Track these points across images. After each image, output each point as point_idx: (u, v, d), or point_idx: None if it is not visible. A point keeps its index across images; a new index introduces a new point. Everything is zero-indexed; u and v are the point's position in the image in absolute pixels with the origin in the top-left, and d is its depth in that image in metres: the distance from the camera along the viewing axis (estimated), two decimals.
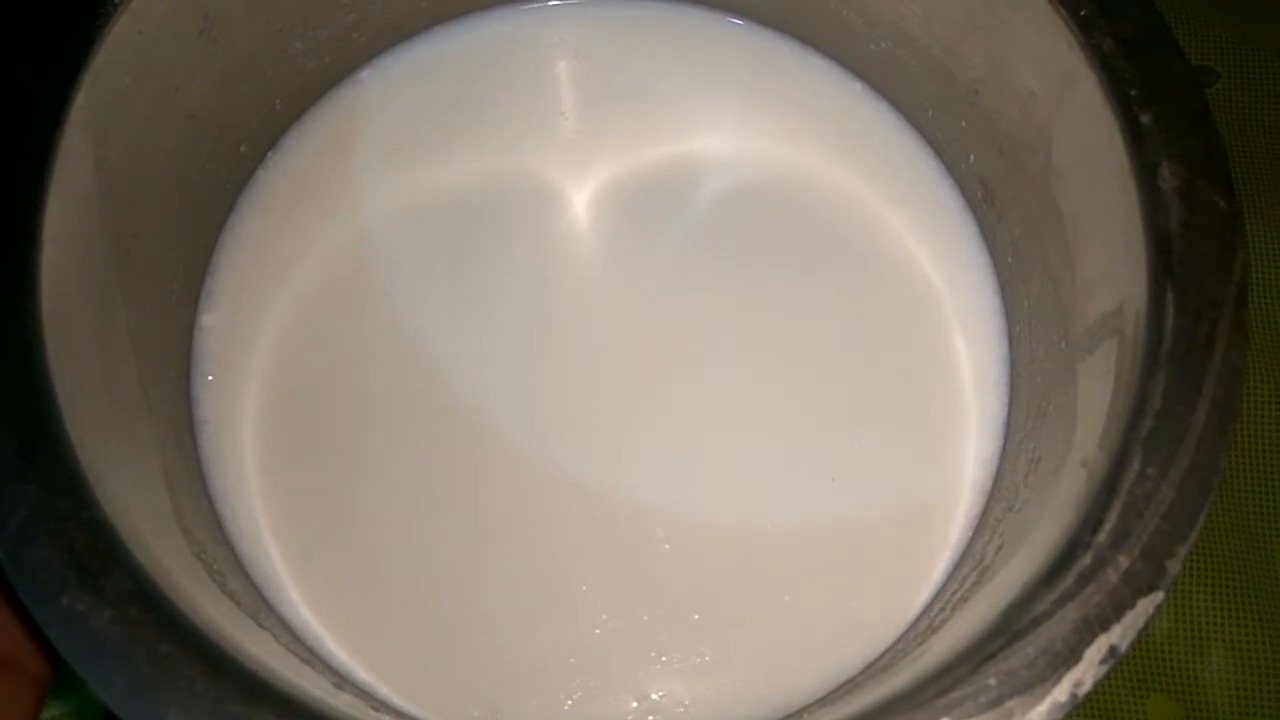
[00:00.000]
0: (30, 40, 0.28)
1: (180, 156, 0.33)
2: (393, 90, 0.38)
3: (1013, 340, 0.36)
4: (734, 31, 0.39)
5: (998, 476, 0.34)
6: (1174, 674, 0.41)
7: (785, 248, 0.37)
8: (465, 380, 0.36)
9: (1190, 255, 0.27)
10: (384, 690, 0.33)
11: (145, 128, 0.31)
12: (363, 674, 0.33)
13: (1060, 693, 0.23)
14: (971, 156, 0.36)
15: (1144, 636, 0.24)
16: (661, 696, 0.33)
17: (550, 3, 0.39)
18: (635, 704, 0.33)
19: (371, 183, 0.38)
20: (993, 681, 0.24)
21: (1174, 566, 0.24)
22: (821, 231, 0.37)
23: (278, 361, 0.36)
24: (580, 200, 0.37)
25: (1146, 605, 0.24)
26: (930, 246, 0.37)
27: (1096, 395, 0.28)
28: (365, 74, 0.39)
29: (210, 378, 0.35)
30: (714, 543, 0.34)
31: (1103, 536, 0.25)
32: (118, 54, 0.29)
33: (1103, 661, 0.24)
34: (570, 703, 0.33)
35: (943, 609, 0.31)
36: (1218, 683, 0.41)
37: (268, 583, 0.33)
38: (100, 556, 0.24)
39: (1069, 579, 0.24)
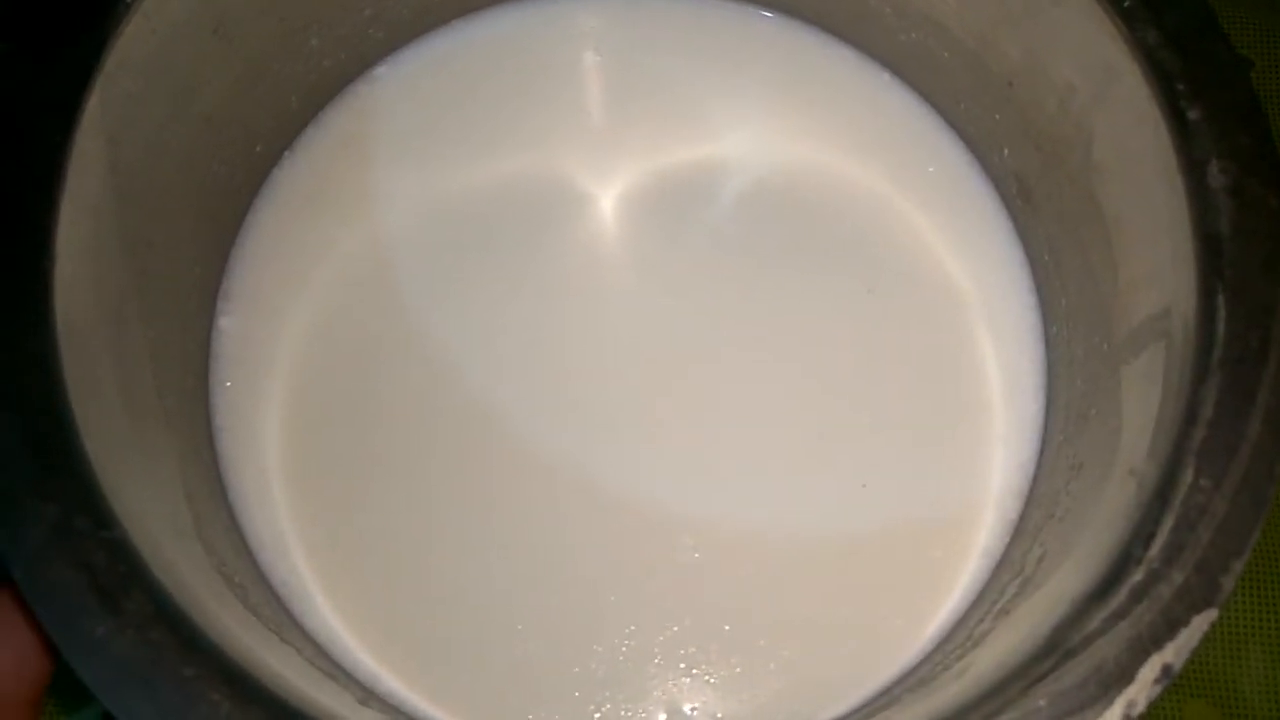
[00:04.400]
0: (40, 43, 0.27)
1: (196, 159, 0.32)
2: (411, 87, 0.37)
3: (1050, 341, 0.35)
4: (760, 23, 0.38)
5: (1035, 482, 0.33)
6: (1212, 679, 0.40)
7: (813, 246, 0.36)
8: (490, 383, 0.35)
9: (1242, 257, 0.26)
10: (413, 699, 0.32)
11: (159, 130, 0.30)
12: (390, 683, 0.32)
13: (1113, 715, 0.23)
14: (1006, 151, 0.35)
15: None
16: (693, 710, 0.32)
17: None
18: (665, 716, 0.32)
19: (390, 182, 0.37)
20: (1043, 703, 0.23)
21: (1229, 582, 0.24)
22: (850, 228, 0.36)
23: (298, 365, 0.35)
24: (605, 198, 0.37)
25: (1201, 622, 0.23)
26: (963, 243, 0.36)
27: (1143, 401, 0.27)
28: (382, 70, 0.38)
29: (229, 384, 0.35)
30: (743, 551, 0.33)
31: (1155, 551, 0.24)
32: (130, 55, 0.28)
33: (1157, 681, 0.23)
34: (599, 715, 0.32)
35: (982, 620, 0.30)
36: (1256, 688, 0.40)
37: (290, 593, 0.33)
38: (120, 576, 0.24)
39: (1121, 595, 0.24)
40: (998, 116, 0.35)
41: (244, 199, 0.36)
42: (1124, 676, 0.23)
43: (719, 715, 0.32)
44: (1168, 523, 0.24)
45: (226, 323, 0.35)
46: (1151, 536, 0.24)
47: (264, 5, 0.32)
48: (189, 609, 0.24)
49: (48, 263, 0.26)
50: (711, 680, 0.32)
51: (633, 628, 0.33)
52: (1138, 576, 0.24)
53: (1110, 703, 0.23)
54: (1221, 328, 0.25)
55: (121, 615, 0.23)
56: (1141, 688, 0.23)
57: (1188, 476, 0.24)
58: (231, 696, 0.23)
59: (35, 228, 0.26)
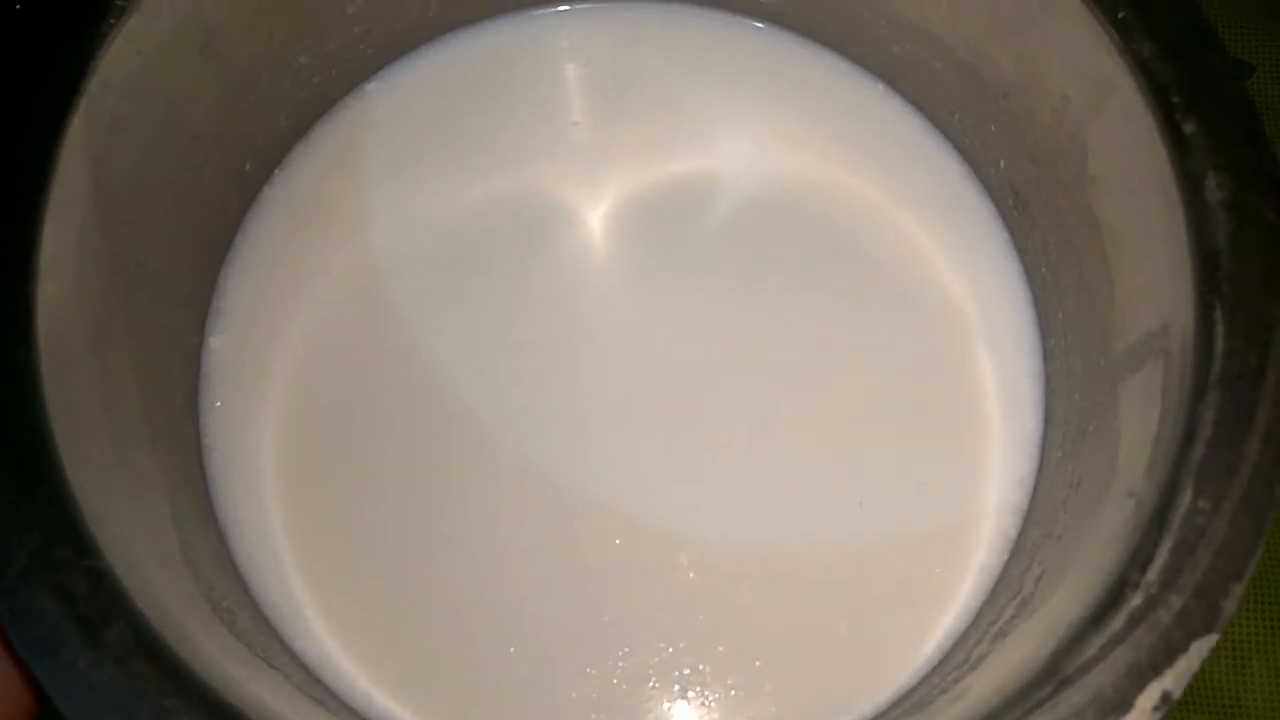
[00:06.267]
0: (22, 63, 0.27)
1: (183, 177, 0.32)
2: (400, 103, 0.37)
3: (1048, 355, 0.34)
4: (752, 35, 0.38)
5: (1033, 498, 0.33)
6: (1214, 694, 0.40)
7: (807, 260, 0.36)
8: (483, 401, 0.35)
9: (1240, 272, 0.25)
10: None
11: (146, 149, 0.30)
12: (383, 707, 0.32)
13: None
14: (1001, 162, 0.35)
15: None
16: None
17: (560, 8, 0.38)
18: None
19: (381, 198, 0.37)
20: None
21: (1229, 606, 0.23)
22: (846, 242, 0.36)
23: (289, 384, 0.35)
24: (595, 214, 0.36)
25: (1201, 648, 0.23)
26: (960, 256, 0.36)
27: (1141, 418, 0.27)
28: (372, 86, 0.37)
29: (219, 403, 0.34)
30: (739, 569, 0.33)
31: (1153, 574, 0.23)
32: (114, 76, 0.28)
33: (1156, 709, 0.22)
34: None
35: (980, 641, 0.30)
36: (1258, 702, 0.39)
37: (281, 616, 0.32)
38: (101, 607, 0.23)
39: (1118, 620, 0.23)
40: (993, 128, 0.34)
41: (234, 217, 0.36)
42: (1122, 704, 0.22)
43: None
44: (1166, 545, 0.24)
45: (216, 342, 0.35)
46: (1150, 559, 0.24)
47: (252, 23, 0.32)
48: (172, 639, 0.24)
49: (30, 283, 0.25)
50: (708, 702, 0.32)
51: (627, 649, 0.32)
52: (1136, 601, 0.23)
53: None
54: (1220, 344, 0.25)
55: (102, 646, 0.23)
56: (1140, 716, 0.22)
57: (1186, 497, 0.24)
58: None
59: (17, 247, 0.25)
